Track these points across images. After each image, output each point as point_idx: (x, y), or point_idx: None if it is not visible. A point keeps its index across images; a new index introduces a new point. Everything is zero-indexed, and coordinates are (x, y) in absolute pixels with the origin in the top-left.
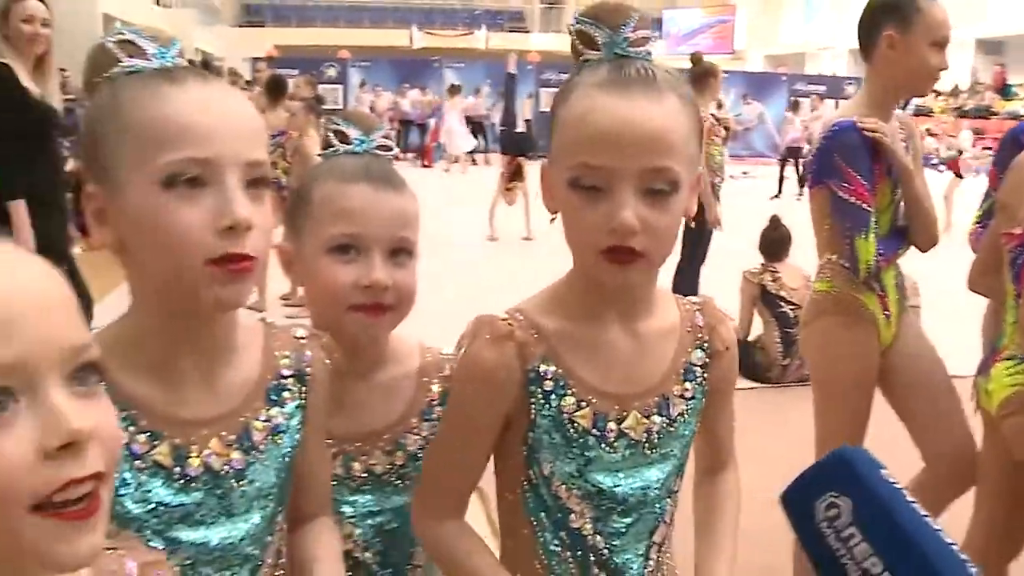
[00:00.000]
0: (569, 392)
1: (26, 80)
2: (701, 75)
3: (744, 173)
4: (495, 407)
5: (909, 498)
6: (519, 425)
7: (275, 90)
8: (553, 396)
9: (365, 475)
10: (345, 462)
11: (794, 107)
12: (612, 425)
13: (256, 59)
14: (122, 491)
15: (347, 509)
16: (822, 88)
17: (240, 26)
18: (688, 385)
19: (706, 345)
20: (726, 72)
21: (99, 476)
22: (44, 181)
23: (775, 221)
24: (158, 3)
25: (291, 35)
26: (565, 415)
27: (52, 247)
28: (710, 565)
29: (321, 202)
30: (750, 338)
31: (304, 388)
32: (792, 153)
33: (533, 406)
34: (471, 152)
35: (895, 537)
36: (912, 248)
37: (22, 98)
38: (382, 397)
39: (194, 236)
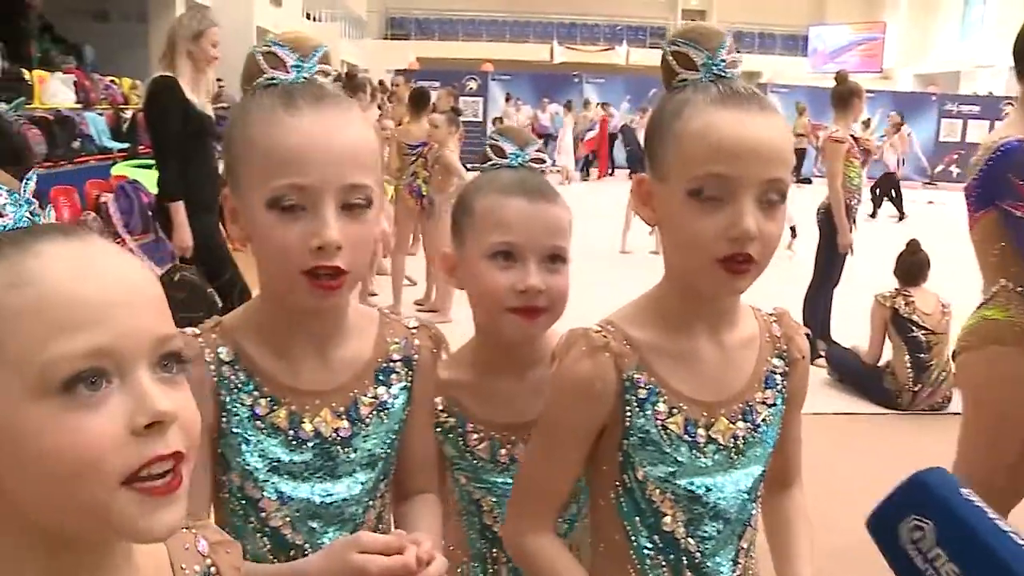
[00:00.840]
0: (661, 399)
1: (189, 92)
2: (846, 94)
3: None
4: (592, 417)
5: (992, 515)
6: (614, 432)
7: (419, 102)
8: (647, 403)
9: (507, 461)
10: (492, 447)
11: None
12: (702, 431)
13: (398, 71)
14: (244, 447)
15: (491, 488)
16: (976, 108)
17: (385, 39)
18: (769, 392)
19: (784, 354)
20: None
21: (179, 456)
22: (200, 183)
23: (913, 245)
24: (308, 17)
25: (433, 48)
26: (658, 421)
27: (206, 243)
28: None
29: (482, 213)
30: (879, 363)
31: (411, 372)
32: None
33: (628, 413)
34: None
35: (980, 555)
36: None
37: (184, 109)
38: (533, 392)
39: (291, 252)
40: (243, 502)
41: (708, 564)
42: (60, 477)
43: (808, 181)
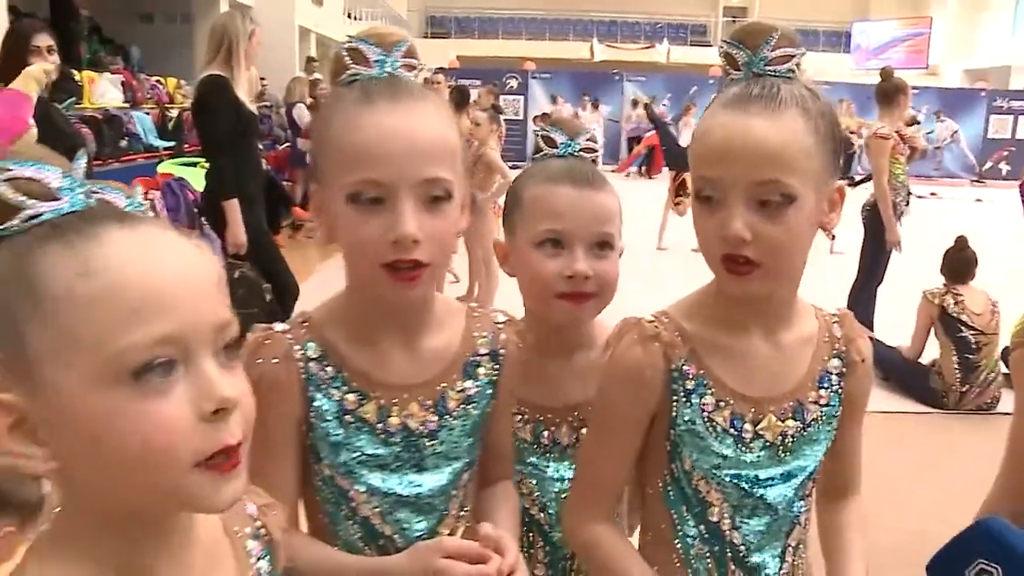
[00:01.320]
0: (709, 392)
1: (239, 91)
2: (891, 91)
3: (932, 194)
4: (643, 404)
5: None
6: (662, 421)
7: (458, 100)
8: (694, 395)
9: (550, 444)
10: (536, 430)
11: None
12: (748, 426)
13: (438, 69)
14: (333, 441)
15: (531, 470)
16: None
17: (425, 37)
18: (823, 392)
19: (843, 355)
20: (916, 88)
21: (241, 443)
22: (246, 179)
23: (961, 242)
24: (349, 16)
25: (473, 46)
26: (704, 413)
27: (255, 238)
28: None
29: (531, 201)
30: (926, 362)
31: (497, 366)
32: None
33: (675, 403)
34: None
35: None
36: None
37: (236, 107)
38: (579, 376)
39: (370, 245)
40: (334, 492)
41: (753, 558)
42: (132, 462)
43: (851, 180)
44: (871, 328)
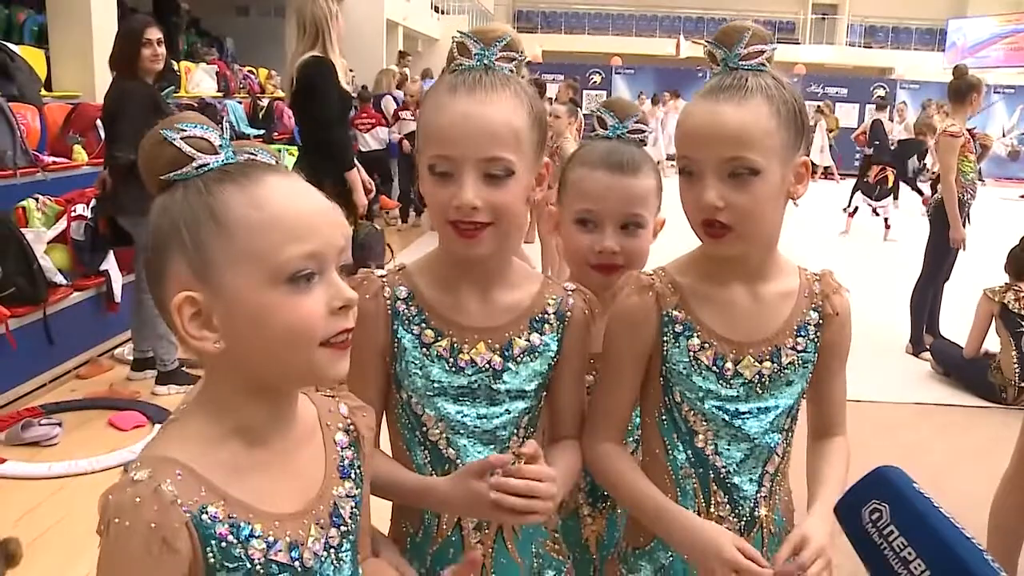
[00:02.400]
0: (696, 335)
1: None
2: (964, 88)
3: (1022, 196)
4: (639, 342)
5: (935, 503)
6: (657, 359)
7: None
8: (681, 337)
9: None
10: None
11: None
12: (729, 365)
13: None
14: (412, 369)
15: None
16: None
17: None
18: (800, 340)
19: (820, 309)
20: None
21: (351, 328)
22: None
23: None
24: (437, 10)
25: (559, 41)
26: (691, 353)
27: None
28: (813, 510)
29: (571, 182)
30: (988, 359)
31: (563, 326)
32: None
33: (666, 343)
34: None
35: (925, 530)
36: None
37: (339, 86)
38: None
39: (442, 207)
40: (410, 417)
41: (732, 479)
42: (282, 341)
43: (911, 181)
44: (936, 326)
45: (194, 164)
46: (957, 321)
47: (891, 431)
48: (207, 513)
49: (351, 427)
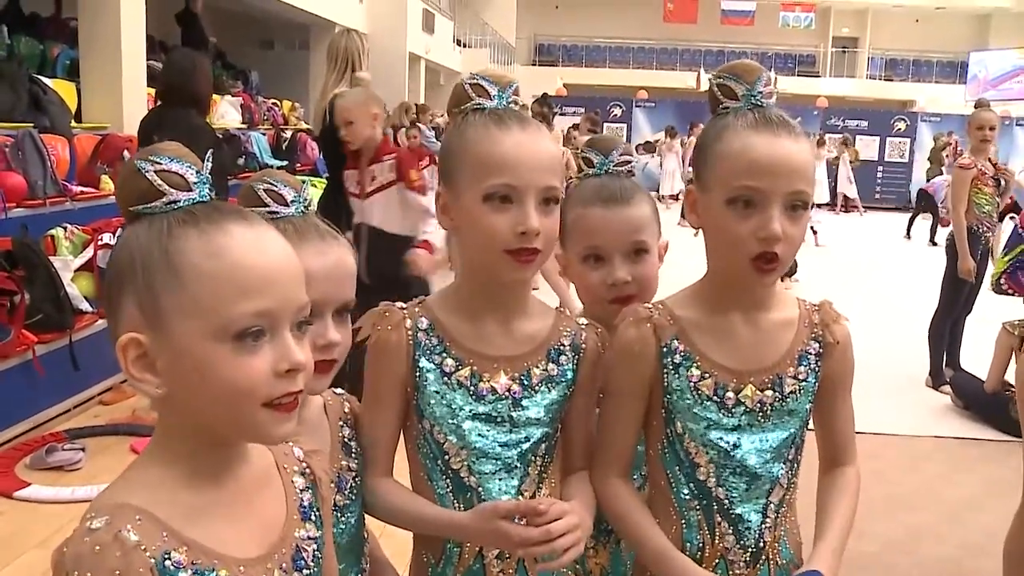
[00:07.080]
0: (695, 365)
1: None
2: (968, 122)
3: None
4: (639, 374)
5: None
6: (658, 390)
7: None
8: (681, 367)
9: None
10: None
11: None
12: (730, 394)
13: (543, 95)
14: (433, 398)
15: None
16: None
17: (533, 64)
18: (802, 369)
19: (821, 338)
20: None
21: (300, 392)
22: None
23: None
24: (458, 43)
25: (580, 74)
26: (691, 383)
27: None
28: (816, 548)
29: (571, 223)
30: (1008, 392)
31: (578, 357)
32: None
33: (665, 374)
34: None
35: None
36: None
37: None
38: None
39: (499, 234)
40: (431, 446)
41: (736, 510)
42: (222, 397)
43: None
44: (956, 359)
45: (163, 200)
46: (979, 354)
47: (911, 464)
48: (170, 559)
49: (307, 470)
